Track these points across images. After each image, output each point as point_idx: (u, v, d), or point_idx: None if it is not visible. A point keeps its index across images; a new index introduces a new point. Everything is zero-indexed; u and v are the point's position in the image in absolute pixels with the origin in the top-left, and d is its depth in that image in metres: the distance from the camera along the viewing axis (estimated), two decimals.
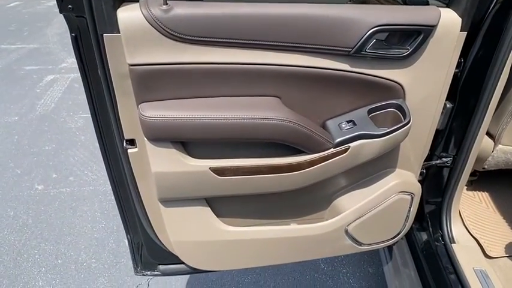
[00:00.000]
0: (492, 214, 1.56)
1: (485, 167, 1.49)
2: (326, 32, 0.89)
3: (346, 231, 1.20)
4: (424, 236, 1.48)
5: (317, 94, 1.00)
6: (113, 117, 0.96)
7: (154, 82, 0.88)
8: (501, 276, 1.28)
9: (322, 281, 2.01)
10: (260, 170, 0.99)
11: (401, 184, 1.18)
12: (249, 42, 0.87)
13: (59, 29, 5.83)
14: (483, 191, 1.67)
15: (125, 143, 1.00)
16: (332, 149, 1.01)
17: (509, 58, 1.08)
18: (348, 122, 1.03)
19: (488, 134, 1.45)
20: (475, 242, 1.40)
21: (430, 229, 1.46)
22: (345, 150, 1.02)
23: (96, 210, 2.41)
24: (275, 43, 0.88)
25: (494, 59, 1.09)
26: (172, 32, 0.83)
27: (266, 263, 1.24)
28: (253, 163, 0.99)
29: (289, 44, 0.89)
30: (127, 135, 0.99)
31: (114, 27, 0.83)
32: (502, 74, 1.10)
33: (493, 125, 1.39)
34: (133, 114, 0.94)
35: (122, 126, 0.97)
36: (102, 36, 0.85)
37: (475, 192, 1.66)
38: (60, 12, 0.86)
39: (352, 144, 1.01)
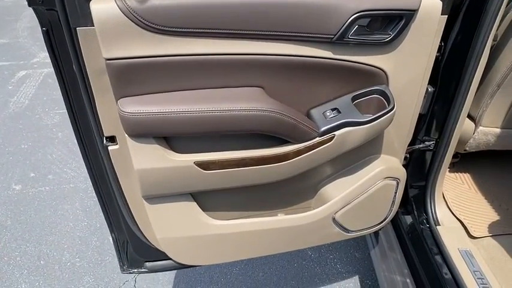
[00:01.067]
0: (474, 195, 1.59)
1: (467, 149, 1.52)
2: (308, 19, 0.86)
3: (334, 219, 1.20)
4: (409, 220, 1.51)
5: (300, 83, 0.98)
6: (91, 114, 0.92)
7: (133, 76, 0.84)
8: (485, 256, 1.32)
9: (310, 268, 2.03)
10: (246, 162, 0.98)
11: (386, 170, 1.18)
12: (231, 32, 0.84)
13: (29, 22, 5.60)
14: (465, 173, 1.71)
15: (104, 140, 0.96)
16: (317, 138, 1.00)
17: (488, 40, 1.09)
18: (333, 110, 1.02)
19: (469, 116, 1.47)
20: (459, 223, 1.43)
21: (415, 212, 1.48)
22: (330, 139, 1.01)
23: (77, 208, 2.35)
24: (257, 32, 0.86)
25: (474, 42, 1.09)
26: (149, 24, 0.79)
27: (255, 255, 1.24)
28: (239, 155, 0.97)
29: (272, 33, 0.87)
30: (107, 132, 0.95)
31: (87, 20, 0.79)
32: (482, 56, 1.11)
33: (473, 107, 1.41)
34: (112, 110, 0.90)
35: (101, 123, 0.93)
36: (75, 30, 0.80)
37: (457, 174, 1.69)
38: (29, 5, 0.81)
39: (337, 133, 1.00)
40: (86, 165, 1.09)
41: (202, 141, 0.97)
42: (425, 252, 1.38)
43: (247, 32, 0.86)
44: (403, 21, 0.92)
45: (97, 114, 0.92)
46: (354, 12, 0.86)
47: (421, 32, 0.97)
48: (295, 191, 1.20)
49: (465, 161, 1.71)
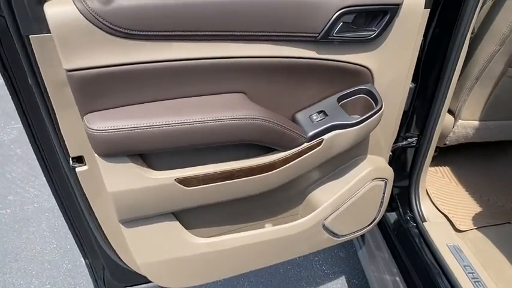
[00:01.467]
0: (455, 187, 1.60)
1: (447, 142, 1.52)
2: (291, 17, 0.80)
3: (324, 226, 1.14)
4: (395, 218, 1.49)
5: (284, 85, 0.92)
6: (53, 132, 0.82)
7: (100, 88, 0.74)
8: (473, 249, 1.31)
9: (296, 272, 1.98)
10: (231, 175, 0.90)
11: (374, 171, 1.14)
12: (208, 33, 0.76)
13: None
14: (444, 166, 1.71)
15: (71, 161, 0.86)
16: (305, 144, 0.94)
17: (468, 33, 1.07)
18: (319, 112, 0.97)
19: (448, 110, 1.46)
20: (445, 218, 1.42)
21: (400, 210, 1.46)
22: (319, 144, 0.95)
23: (44, 230, 2.18)
24: (237, 33, 0.78)
25: (454, 35, 1.08)
26: (116, 28, 0.70)
27: (244, 270, 1.16)
28: (223, 168, 0.89)
29: (253, 34, 0.80)
30: (73, 152, 0.84)
31: (42, 26, 0.69)
32: (462, 49, 1.10)
33: (452, 101, 1.40)
34: (77, 127, 0.80)
35: (66, 143, 0.83)
36: (27, 38, 0.70)
37: (437, 168, 1.69)
38: None
39: (325, 137, 0.95)
40: (50, 188, 0.98)
41: (183, 156, 0.88)
42: (413, 250, 1.36)
43: (226, 34, 0.78)
44: (387, 17, 0.88)
45: (60, 133, 0.81)
46: (339, 8, 0.81)
47: (405, 27, 0.93)
48: (282, 199, 1.14)
49: (444, 154, 1.72)
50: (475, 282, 1.21)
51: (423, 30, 0.99)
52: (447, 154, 1.70)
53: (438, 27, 1.08)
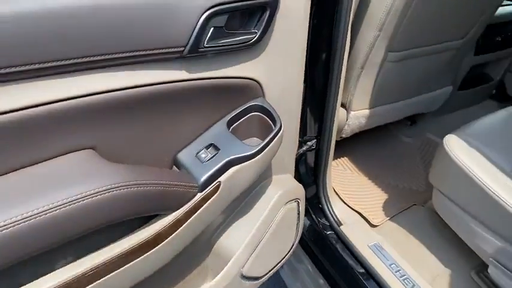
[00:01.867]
0: (358, 178, 1.55)
1: (343, 135, 1.45)
2: (143, 28, 0.55)
3: (242, 276, 0.93)
4: (311, 227, 1.36)
5: (153, 123, 0.66)
6: None
7: None
8: (392, 242, 1.26)
9: None
10: (97, 273, 0.60)
11: (284, 194, 0.97)
12: (14, 70, 0.46)
13: None
14: (342, 157, 1.66)
15: None
16: (199, 194, 0.70)
17: (350, 20, 0.96)
18: (207, 147, 0.73)
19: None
20: (358, 215, 1.34)
21: (314, 218, 1.34)
22: (216, 189, 0.72)
23: None
24: (64, 62, 0.50)
25: (337, 24, 0.96)
26: None
27: None
28: (83, 268, 0.58)
29: (90, 59, 0.52)
30: None
31: None
32: (347, 38, 0.99)
33: (343, 94, 1.32)
34: None
35: None
36: None
37: (337, 161, 1.63)
38: None
39: (222, 178, 0.72)
40: None
41: (13, 268, 0.55)
42: (336, 257, 1.25)
43: (47, 65, 0.49)
44: (267, 13, 0.68)
45: None
46: (205, 9, 0.58)
47: (289, 23, 0.76)
48: (183, 260, 0.88)
49: (339, 145, 1.66)
50: (403, 280, 1.15)
51: (307, 24, 0.83)
52: (342, 145, 1.65)
53: (318, 18, 0.95)
